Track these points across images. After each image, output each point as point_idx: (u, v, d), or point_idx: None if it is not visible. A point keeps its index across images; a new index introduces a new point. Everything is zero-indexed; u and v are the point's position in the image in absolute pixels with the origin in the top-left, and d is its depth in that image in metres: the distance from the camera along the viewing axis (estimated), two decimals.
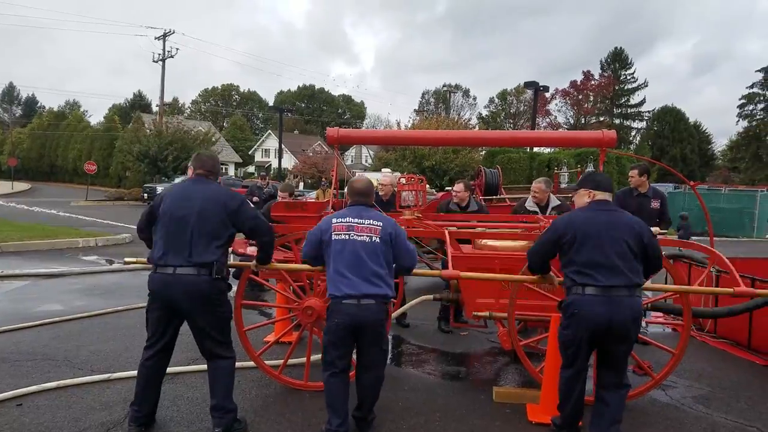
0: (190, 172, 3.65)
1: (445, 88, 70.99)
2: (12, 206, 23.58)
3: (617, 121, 57.21)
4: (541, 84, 26.25)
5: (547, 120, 51.61)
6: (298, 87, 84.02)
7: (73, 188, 42.45)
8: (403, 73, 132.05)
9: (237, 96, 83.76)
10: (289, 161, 56.21)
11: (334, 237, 3.45)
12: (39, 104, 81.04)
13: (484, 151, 27.92)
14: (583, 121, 52.97)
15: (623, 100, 58.96)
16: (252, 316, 6.34)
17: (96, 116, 72.05)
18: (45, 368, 4.63)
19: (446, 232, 4.48)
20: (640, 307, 3.36)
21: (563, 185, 9.99)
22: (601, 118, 55.47)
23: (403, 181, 5.11)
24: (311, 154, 45.64)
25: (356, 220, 3.47)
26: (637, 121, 60.73)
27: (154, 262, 3.40)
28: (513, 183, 16.92)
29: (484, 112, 69.35)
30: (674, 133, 55.85)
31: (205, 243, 3.34)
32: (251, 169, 59.87)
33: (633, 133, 60.25)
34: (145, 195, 28.57)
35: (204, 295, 3.34)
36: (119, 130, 46.44)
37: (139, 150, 33.23)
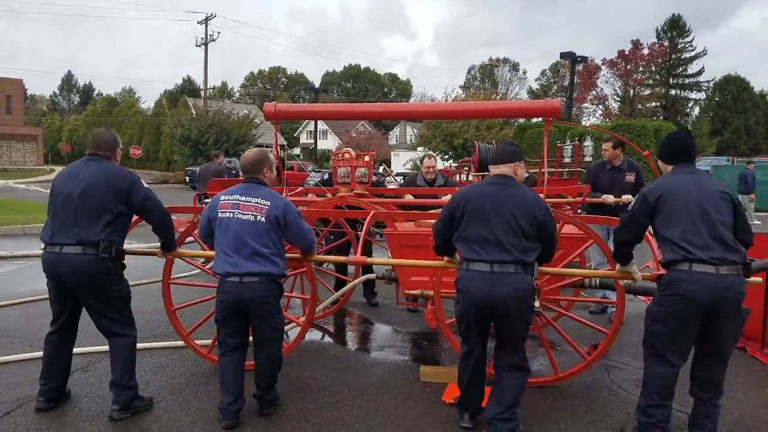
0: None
1: (489, 62, 69.27)
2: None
3: (673, 92, 54.11)
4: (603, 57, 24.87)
5: (593, 92, 49.38)
6: (344, 67, 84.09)
7: None
8: (463, 49, 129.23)
9: (284, 79, 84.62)
10: (333, 142, 56.53)
11: (219, 215, 3.40)
12: (96, 92, 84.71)
13: (516, 125, 27.04)
14: (632, 93, 50.33)
15: (680, 70, 55.62)
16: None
17: (150, 102, 74.41)
18: (0, 344, 4.84)
19: (370, 213, 4.32)
20: (528, 285, 3.15)
21: (566, 159, 9.54)
22: (656, 89, 52.58)
23: (338, 157, 4.97)
24: (354, 134, 45.67)
25: (243, 198, 3.39)
26: (695, 91, 57.18)
27: (44, 241, 3.44)
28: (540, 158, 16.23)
29: (535, 86, 67.30)
30: (737, 104, 52.27)
31: (91, 222, 3.33)
32: (297, 151, 60.54)
33: (690, 104, 56.85)
34: (187, 178, 29.54)
35: (90, 275, 3.34)
36: (167, 115, 48.01)
37: (182, 134, 34.24)
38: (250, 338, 3.54)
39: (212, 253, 3.59)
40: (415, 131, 52.22)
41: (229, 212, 3.37)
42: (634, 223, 3.15)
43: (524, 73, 71.99)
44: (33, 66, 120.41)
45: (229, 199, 3.42)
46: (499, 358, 3.28)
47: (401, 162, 36.75)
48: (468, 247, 3.20)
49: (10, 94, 49.62)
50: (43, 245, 3.46)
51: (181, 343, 4.53)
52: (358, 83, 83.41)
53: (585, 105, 51.76)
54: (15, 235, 11.61)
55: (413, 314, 5.98)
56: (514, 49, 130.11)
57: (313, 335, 5.34)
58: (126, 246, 3.65)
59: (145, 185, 3.60)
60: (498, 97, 38.67)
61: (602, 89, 50.35)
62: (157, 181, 33.59)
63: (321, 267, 6.19)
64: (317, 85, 72.66)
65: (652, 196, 3.08)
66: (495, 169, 3.34)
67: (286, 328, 4.97)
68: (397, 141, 61.02)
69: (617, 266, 3.39)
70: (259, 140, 38.04)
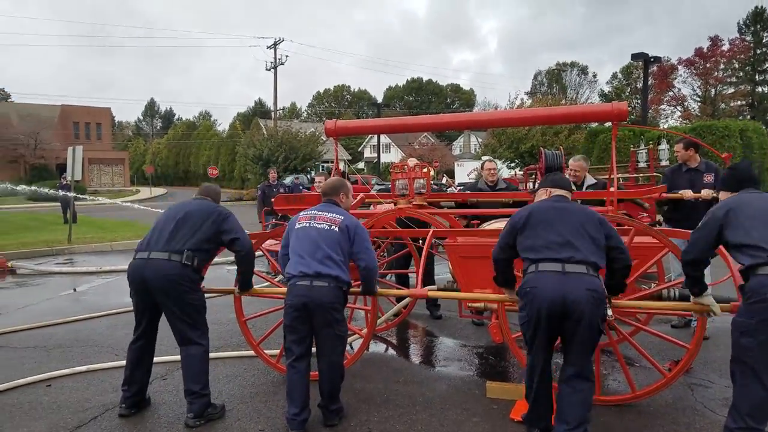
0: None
1: (556, 67, 67.56)
2: (144, 209, 26.42)
3: (760, 90, 50.46)
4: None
5: (670, 93, 46.84)
6: (407, 81, 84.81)
7: None
8: (529, 54, 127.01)
9: (348, 96, 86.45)
10: (396, 155, 56.92)
11: (297, 226, 3.69)
12: (176, 116, 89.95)
13: (587, 130, 26.00)
14: (713, 92, 47.33)
15: (766, 66, 51.83)
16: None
17: (225, 124, 78.19)
18: (89, 354, 5.22)
19: (430, 232, 4.33)
20: (601, 289, 3.07)
21: (641, 164, 9.08)
22: (740, 87, 49.23)
23: (396, 169, 5.01)
24: (416, 146, 45.79)
25: (320, 212, 3.71)
26: None
27: (137, 250, 3.80)
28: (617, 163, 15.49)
29: (607, 89, 64.91)
30: None
31: (183, 238, 3.70)
32: (361, 165, 61.42)
33: None
34: (258, 193, 30.70)
35: (171, 279, 3.63)
36: (241, 137, 50.22)
37: (254, 153, 35.75)
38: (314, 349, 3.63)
39: (284, 289, 3.76)
40: (480, 140, 51.55)
41: (306, 222, 3.67)
42: (703, 239, 3.03)
43: (594, 76, 69.55)
44: (120, 95, 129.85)
45: (307, 213, 3.73)
46: (564, 371, 3.18)
47: (465, 172, 36.36)
48: (535, 251, 3.18)
49: (100, 122, 53.77)
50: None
51: (251, 352, 4.70)
52: (420, 96, 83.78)
53: (662, 107, 49.20)
54: (104, 252, 12.49)
55: (478, 328, 5.89)
56: (582, 52, 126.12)
57: (377, 347, 5.38)
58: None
59: (237, 221, 3.93)
60: (566, 103, 37.43)
61: (680, 90, 47.70)
62: (232, 198, 35.09)
63: (382, 279, 6.24)
64: (380, 100, 73.74)
65: (720, 211, 3.01)
66: (557, 192, 3.45)
67: (349, 339, 5.06)
68: (461, 151, 60.43)
69: (691, 298, 3.29)
70: (325, 156, 38.98)
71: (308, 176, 31.50)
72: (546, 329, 3.13)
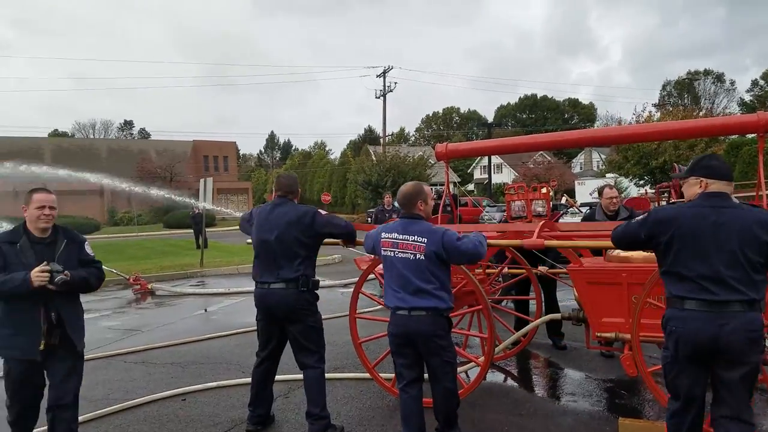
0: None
1: (688, 76, 62.69)
2: None
3: None
4: None
5: None
6: (519, 98, 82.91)
7: None
8: (657, 64, 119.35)
9: (457, 117, 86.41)
10: (508, 175, 55.63)
11: (382, 252, 3.54)
12: (293, 147, 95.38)
13: (727, 143, 23.48)
14: None
15: None
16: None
17: (337, 152, 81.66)
18: (219, 371, 5.54)
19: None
20: (759, 325, 2.65)
21: None
22: None
23: (512, 191, 4.83)
24: (531, 165, 44.13)
25: (401, 236, 3.45)
26: None
27: (255, 279, 3.98)
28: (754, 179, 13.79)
29: (747, 97, 59.08)
30: None
31: (288, 262, 3.81)
32: (471, 186, 60.76)
33: None
34: (369, 219, 31.51)
35: (293, 307, 3.78)
36: (351, 163, 52.04)
37: (364, 179, 36.81)
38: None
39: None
40: (603, 156, 48.51)
41: (390, 251, 3.48)
42: None
43: (732, 84, 63.49)
44: (243, 129, 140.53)
45: (389, 238, 3.50)
46: (718, 412, 2.79)
47: (587, 191, 33.75)
48: (681, 284, 2.78)
49: (227, 154, 58.43)
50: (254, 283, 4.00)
51: (367, 375, 4.71)
52: (534, 113, 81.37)
53: None
54: (231, 275, 13.39)
55: (608, 359, 5.44)
56: (717, 59, 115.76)
57: (495, 377, 5.17)
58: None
59: (323, 212, 3.98)
60: (701, 114, 33.86)
61: None
62: None
63: (499, 305, 6.01)
64: (490, 119, 72.74)
65: None
66: (714, 186, 2.82)
67: (465, 367, 4.91)
68: (581, 168, 57.45)
69: None
70: (434, 179, 39.11)
71: None
72: (693, 374, 2.77)
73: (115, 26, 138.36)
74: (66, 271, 3.20)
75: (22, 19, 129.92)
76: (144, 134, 79.80)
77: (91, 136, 75.35)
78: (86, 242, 3.53)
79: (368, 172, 36.84)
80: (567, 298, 6.74)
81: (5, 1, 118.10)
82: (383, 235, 3.55)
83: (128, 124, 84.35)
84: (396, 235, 3.49)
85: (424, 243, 3.38)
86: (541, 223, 4.14)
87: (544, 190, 4.81)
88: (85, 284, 3.37)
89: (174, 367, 5.73)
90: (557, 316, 4.79)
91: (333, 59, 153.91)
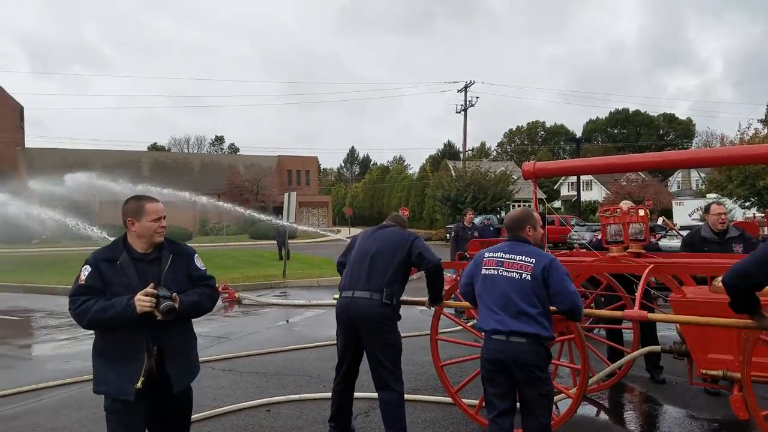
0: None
1: None
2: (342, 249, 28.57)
3: None
4: None
5: None
6: (610, 113, 79.47)
7: None
8: (764, 76, 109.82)
9: (542, 132, 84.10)
10: (598, 193, 53.30)
11: (483, 271, 3.42)
12: (372, 162, 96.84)
13: None
14: None
15: None
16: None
17: (415, 167, 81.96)
18: (300, 383, 5.64)
19: (647, 268, 3.81)
20: None
21: None
22: None
23: (607, 213, 4.55)
24: (624, 183, 41.82)
25: (508, 255, 3.37)
26: None
27: (341, 289, 4.03)
28: None
29: None
30: None
31: (380, 274, 3.86)
32: (557, 204, 58.53)
33: None
34: (447, 235, 31.21)
35: (374, 318, 3.79)
36: (430, 178, 52.01)
37: (442, 194, 36.60)
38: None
39: (465, 304, 3.73)
40: (703, 175, 45.25)
41: (494, 269, 3.37)
42: None
43: None
44: (325, 145, 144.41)
45: (493, 257, 3.42)
46: None
47: (685, 212, 31.18)
48: None
49: (309, 169, 60.36)
50: (338, 294, 4.06)
51: (449, 399, 4.60)
52: (626, 128, 77.66)
53: None
54: (311, 287, 13.69)
55: (713, 397, 4.98)
56: None
57: (587, 409, 4.88)
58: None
59: (423, 242, 4.04)
60: None
61: None
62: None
63: (591, 334, 5.69)
64: (578, 134, 70.02)
65: None
66: None
67: (555, 398, 4.67)
68: (678, 187, 53.95)
69: None
70: (516, 195, 38.19)
71: (498, 216, 30.92)
72: None
73: (209, 47, 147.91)
74: (175, 294, 2.75)
75: (124, 41, 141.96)
76: (233, 149, 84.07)
77: (185, 151, 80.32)
78: (196, 255, 3.05)
79: (447, 188, 36.62)
80: (666, 328, 6.30)
81: (110, 25, 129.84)
82: (486, 254, 3.48)
83: (219, 140, 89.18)
84: (501, 254, 3.40)
85: (532, 263, 3.28)
86: (648, 267, 3.85)
87: (642, 213, 4.51)
88: (196, 309, 2.90)
89: (259, 377, 5.89)
90: (657, 348, 4.45)
91: (414, 75, 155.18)
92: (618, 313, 3.74)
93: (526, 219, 3.49)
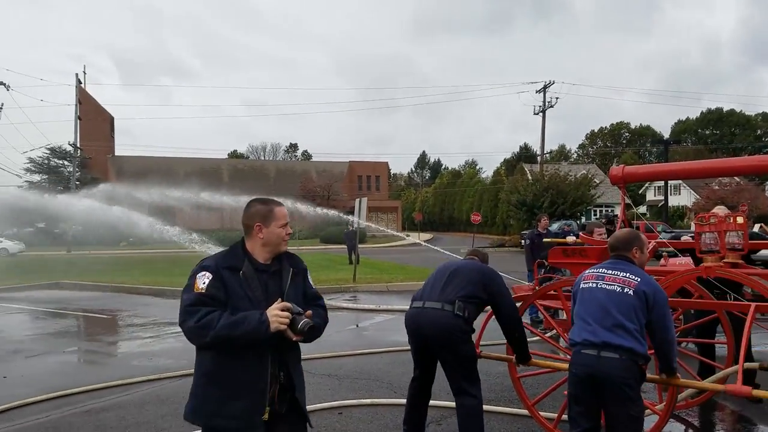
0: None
1: None
2: (412, 254, 28.58)
3: None
4: None
5: None
6: (701, 112, 74.75)
7: (465, 237, 48.42)
8: None
9: (627, 133, 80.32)
10: (687, 198, 50.14)
11: (582, 285, 3.31)
12: (443, 166, 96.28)
13: None
14: None
15: None
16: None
17: (488, 171, 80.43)
18: (371, 387, 5.64)
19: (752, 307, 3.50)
20: None
21: None
22: None
23: (703, 220, 4.20)
24: (716, 187, 39.02)
25: (609, 271, 3.25)
26: None
27: (413, 300, 4.00)
28: None
29: None
30: None
31: (454, 289, 3.79)
32: (643, 209, 55.23)
33: None
34: (522, 242, 30.19)
35: (445, 329, 3.70)
36: (505, 182, 50.83)
37: (517, 199, 35.52)
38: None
39: (565, 365, 3.55)
40: None
41: (593, 282, 3.26)
42: None
43: None
44: (397, 149, 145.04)
45: (594, 272, 3.32)
46: None
47: None
48: None
49: (379, 174, 60.97)
50: (409, 304, 4.02)
51: (524, 411, 4.44)
52: (719, 128, 72.61)
53: None
54: (381, 292, 13.74)
55: None
56: None
57: (673, 427, 4.54)
58: None
59: (503, 286, 3.96)
60: None
61: None
62: (494, 244, 35.38)
63: (681, 348, 5.30)
64: (666, 135, 66.03)
65: None
66: None
67: None
68: None
69: None
70: (599, 200, 36.50)
71: (578, 222, 29.56)
72: None
73: (285, 57, 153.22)
74: (309, 311, 2.41)
75: (208, 53, 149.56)
76: (306, 155, 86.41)
77: (262, 158, 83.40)
78: (308, 271, 2.71)
79: (523, 192, 35.49)
80: (762, 343, 5.79)
81: (196, 39, 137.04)
82: (588, 271, 3.38)
83: (293, 147, 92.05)
84: (603, 270, 3.29)
85: (636, 281, 3.13)
86: (752, 306, 3.55)
87: (740, 220, 4.14)
88: (318, 332, 2.49)
89: (330, 379, 5.94)
90: (754, 365, 4.08)
91: (491, 76, 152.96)
92: (720, 387, 3.45)
93: (634, 240, 3.36)
